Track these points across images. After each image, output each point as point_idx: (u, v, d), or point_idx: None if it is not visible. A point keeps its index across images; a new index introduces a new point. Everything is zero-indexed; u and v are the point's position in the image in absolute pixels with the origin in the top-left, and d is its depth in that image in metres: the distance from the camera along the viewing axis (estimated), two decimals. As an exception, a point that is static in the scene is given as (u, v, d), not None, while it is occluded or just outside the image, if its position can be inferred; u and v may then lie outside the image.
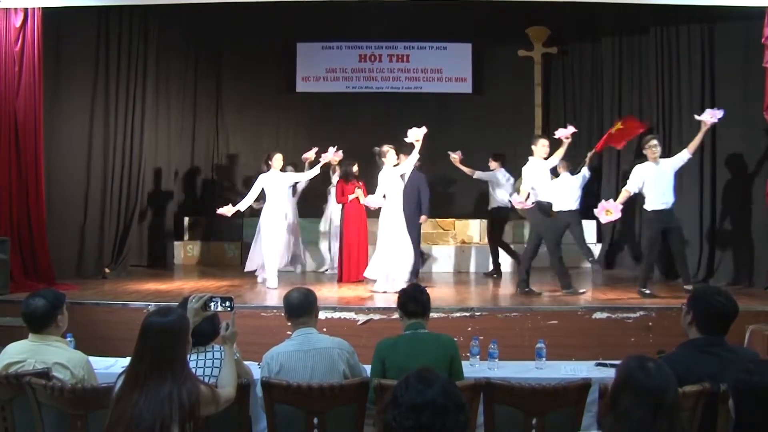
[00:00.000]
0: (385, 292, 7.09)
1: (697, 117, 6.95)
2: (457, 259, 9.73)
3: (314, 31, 11.13)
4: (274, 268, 7.57)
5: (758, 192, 7.50)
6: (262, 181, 7.62)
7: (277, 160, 7.73)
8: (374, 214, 7.84)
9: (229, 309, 3.15)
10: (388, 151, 7.35)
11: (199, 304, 3.07)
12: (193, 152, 11.00)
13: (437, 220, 10.28)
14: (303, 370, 3.40)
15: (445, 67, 11.29)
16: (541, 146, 7.16)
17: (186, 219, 10.66)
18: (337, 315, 6.00)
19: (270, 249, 7.58)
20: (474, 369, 4.16)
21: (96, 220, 8.51)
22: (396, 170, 7.36)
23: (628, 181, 7.09)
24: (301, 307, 3.61)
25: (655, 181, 6.95)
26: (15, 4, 7.04)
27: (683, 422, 2.30)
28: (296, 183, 8.61)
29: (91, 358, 3.54)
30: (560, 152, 7.19)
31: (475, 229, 10.40)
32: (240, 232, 10.38)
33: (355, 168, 8.35)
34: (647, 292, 6.86)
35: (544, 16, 10.50)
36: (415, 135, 7.15)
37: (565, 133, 7.10)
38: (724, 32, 8.16)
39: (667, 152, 8.61)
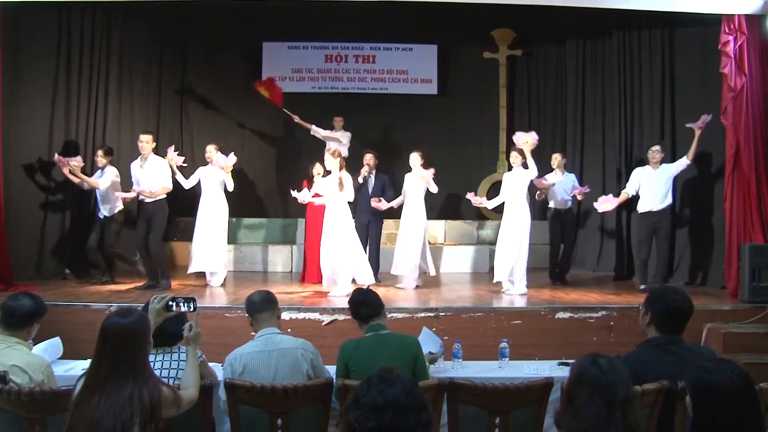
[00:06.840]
0: (329, 293, 7.01)
1: (688, 125, 7.34)
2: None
3: (280, 31, 11.05)
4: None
5: (715, 193, 7.68)
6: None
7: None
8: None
9: (191, 310, 3.12)
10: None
11: (161, 305, 3.04)
12: (157, 152, 10.80)
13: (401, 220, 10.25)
14: (266, 370, 3.39)
15: (411, 69, 11.30)
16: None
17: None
18: (301, 315, 5.97)
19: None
20: (438, 369, 4.20)
21: (57, 220, 8.33)
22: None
23: (627, 183, 7.66)
24: (262, 302, 3.62)
25: (649, 184, 7.42)
26: (-29, -3, 6.84)
27: (638, 415, 2.35)
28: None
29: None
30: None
31: (439, 229, 10.43)
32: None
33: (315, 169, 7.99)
34: (642, 287, 7.29)
35: (510, 18, 10.58)
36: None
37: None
38: (684, 38, 8.36)
39: (625, 153, 8.84)
